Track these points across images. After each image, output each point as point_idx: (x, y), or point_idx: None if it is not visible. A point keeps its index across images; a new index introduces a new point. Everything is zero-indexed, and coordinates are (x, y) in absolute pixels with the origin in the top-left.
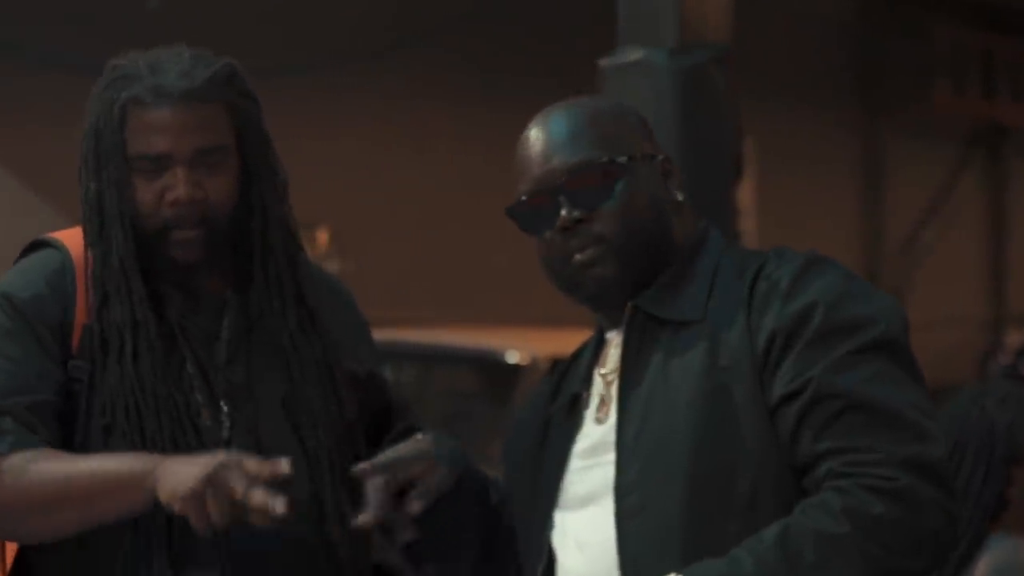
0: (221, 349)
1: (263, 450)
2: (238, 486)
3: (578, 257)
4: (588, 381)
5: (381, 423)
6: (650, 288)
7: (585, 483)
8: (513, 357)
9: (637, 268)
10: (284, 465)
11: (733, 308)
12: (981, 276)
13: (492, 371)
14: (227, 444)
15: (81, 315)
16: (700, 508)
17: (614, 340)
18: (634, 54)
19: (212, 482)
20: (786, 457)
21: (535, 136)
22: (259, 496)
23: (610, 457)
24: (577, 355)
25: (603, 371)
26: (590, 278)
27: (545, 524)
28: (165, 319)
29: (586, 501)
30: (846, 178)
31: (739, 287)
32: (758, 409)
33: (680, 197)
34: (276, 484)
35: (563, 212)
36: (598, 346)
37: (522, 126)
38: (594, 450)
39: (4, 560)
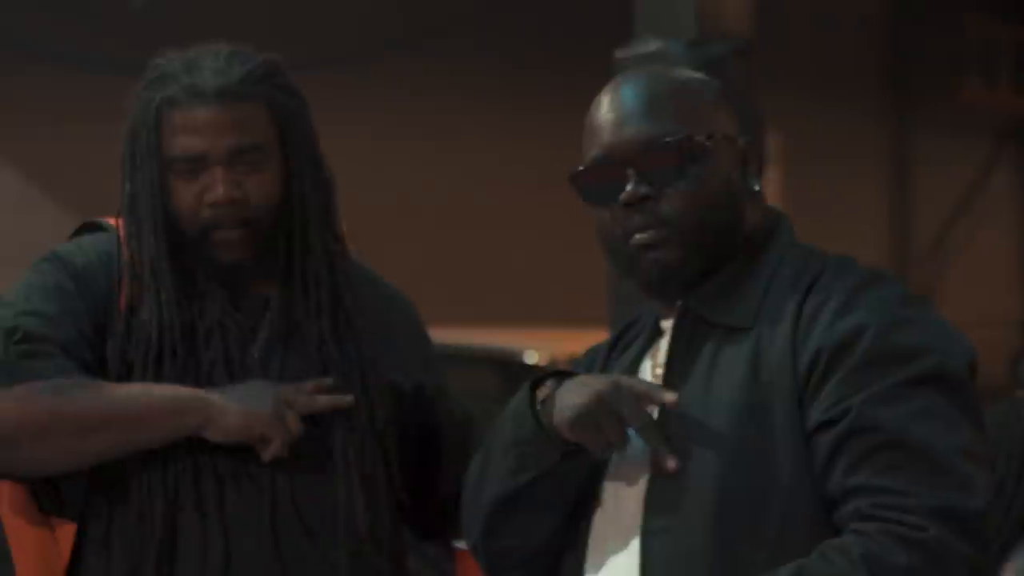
0: (256, 349)
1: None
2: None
3: (638, 237)
4: (637, 365)
5: (430, 439)
6: (706, 284)
7: (620, 483)
8: (532, 357)
9: (700, 257)
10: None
11: (782, 319)
12: (1013, 275)
13: (510, 371)
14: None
15: (123, 302)
16: (727, 533)
17: (667, 333)
18: (651, 45)
19: (288, 405)
20: (820, 488)
21: (610, 100)
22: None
23: (647, 462)
24: (627, 330)
25: (653, 362)
26: (649, 261)
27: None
28: (205, 318)
29: (619, 501)
30: (874, 174)
31: (792, 296)
32: (795, 433)
33: (757, 187)
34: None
35: (629, 187)
36: (653, 333)
37: (539, 121)
38: (632, 450)
39: (55, 537)
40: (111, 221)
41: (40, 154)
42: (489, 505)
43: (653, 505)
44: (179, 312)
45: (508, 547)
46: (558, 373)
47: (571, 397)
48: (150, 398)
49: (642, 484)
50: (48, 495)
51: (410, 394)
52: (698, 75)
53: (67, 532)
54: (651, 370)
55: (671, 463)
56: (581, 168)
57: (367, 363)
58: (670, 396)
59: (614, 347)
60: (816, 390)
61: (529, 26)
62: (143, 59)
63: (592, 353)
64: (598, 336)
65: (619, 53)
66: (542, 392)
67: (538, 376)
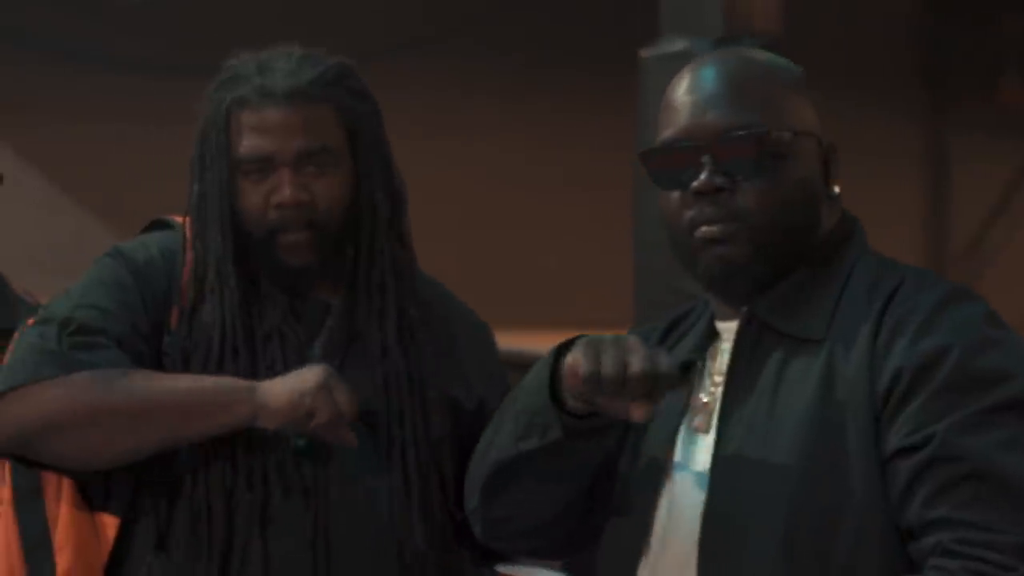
0: (314, 355)
1: (337, 460)
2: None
3: (705, 230)
4: (690, 366)
5: None
6: (774, 289)
7: (675, 503)
8: None
9: (768, 258)
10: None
11: (858, 333)
12: None
13: None
14: (301, 451)
15: (184, 299)
16: (795, 557)
17: (726, 335)
18: (677, 44)
19: (333, 384)
20: (895, 516)
21: (694, 80)
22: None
23: (705, 475)
24: (676, 324)
25: (711, 365)
26: (713, 256)
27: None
28: (264, 323)
29: (673, 521)
30: (909, 174)
31: (868, 309)
32: (870, 455)
33: (836, 191)
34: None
35: (704, 175)
36: (708, 332)
37: (564, 121)
38: (687, 464)
39: (97, 531)
40: (179, 219)
41: (62, 155)
42: (489, 468)
43: (712, 523)
44: (241, 316)
45: (507, 515)
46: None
47: (579, 346)
48: (200, 388)
49: (698, 499)
50: (98, 488)
51: (472, 411)
52: (788, 64)
53: (110, 526)
54: (708, 376)
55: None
56: (654, 148)
57: (427, 374)
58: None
59: (663, 340)
60: (895, 413)
61: (554, 25)
62: (165, 59)
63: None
64: None
65: (644, 52)
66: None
67: (565, 341)
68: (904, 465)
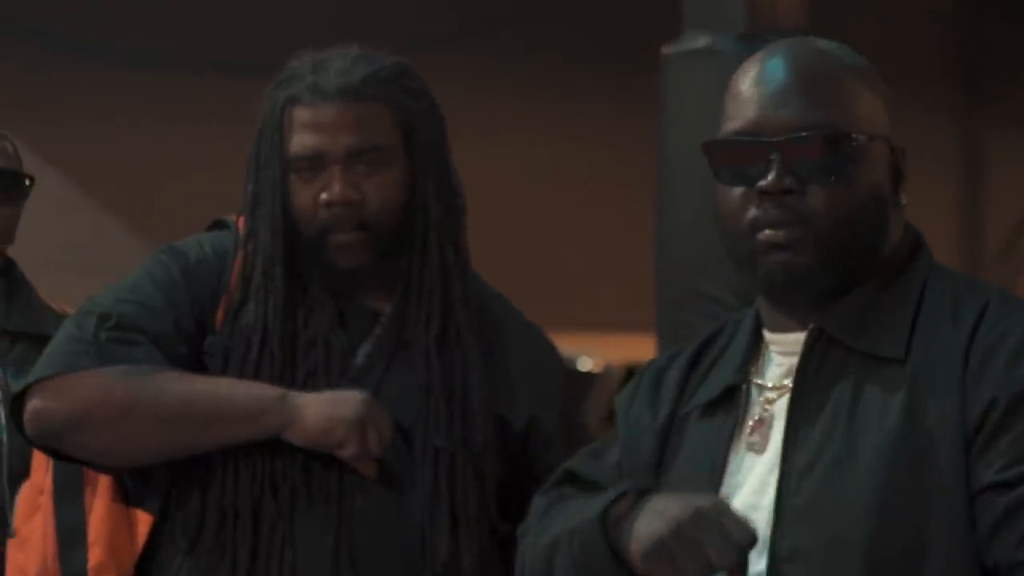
0: (356, 366)
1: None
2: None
3: (768, 233)
4: (736, 388)
5: (540, 474)
6: (842, 303)
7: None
8: (586, 365)
9: (834, 267)
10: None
11: (946, 358)
12: None
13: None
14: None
15: (231, 299)
16: None
17: (776, 347)
18: (700, 41)
19: (369, 419)
20: (982, 553)
21: (765, 70)
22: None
23: (764, 502)
24: (709, 344)
25: (761, 381)
26: (775, 262)
27: None
28: (308, 329)
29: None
30: (942, 174)
31: (954, 331)
32: (959, 491)
33: (904, 201)
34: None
35: (772, 175)
36: (753, 341)
37: (589, 119)
38: (750, 488)
39: (131, 527)
40: (237, 219)
41: (79, 153)
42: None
43: (781, 560)
44: (283, 320)
45: None
46: (639, 492)
47: (648, 525)
48: (233, 393)
49: (766, 526)
50: (136, 484)
51: (521, 425)
52: (862, 59)
53: (144, 524)
54: (758, 391)
55: None
56: (718, 139)
57: (471, 384)
58: (754, 536)
59: (695, 365)
60: (988, 445)
61: (578, 23)
62: (183, 55)
63: (657, 371)
64: (652, 342)
65: (666, 49)
66: (618, 509)
67: (615, 493)
68: (996, 501)
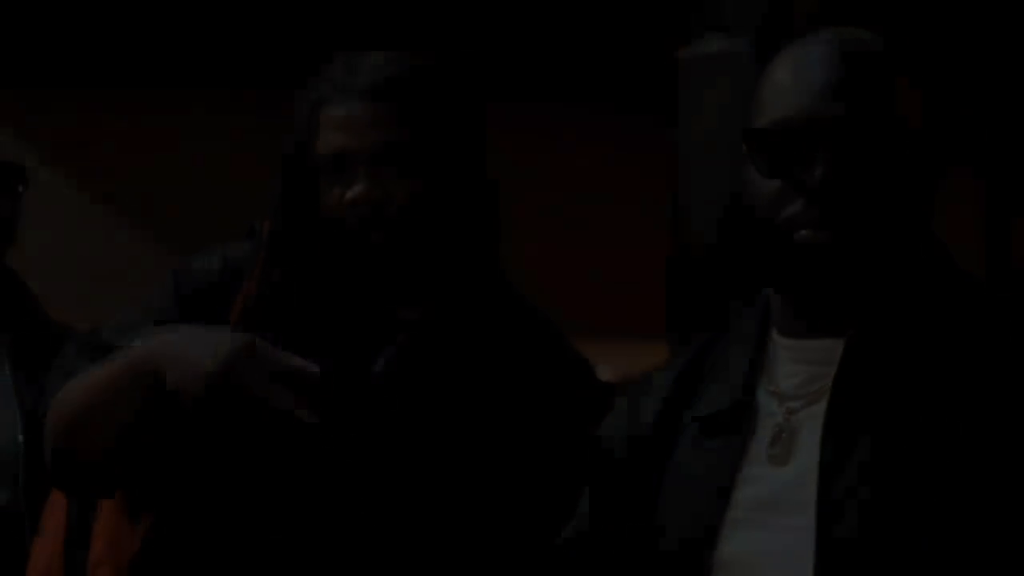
0: (375, 374)
1: (377, 485)
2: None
3: (806, 233)
4: (749, 395)
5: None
6: (881, 308)
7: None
8: (604, 373)
9: (874, 271)
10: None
11: (1001, 374)
12: None
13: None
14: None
15: (236, 310)
16: None
17: (790, 352)
18: (716, 44)
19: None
20: None
21: (811, 58)
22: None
23: (801, 522)
24: (704, 353)
25: (775, 389)
26: (812, 265)
27: None
28: (330, 331)
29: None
30: (968, 183)
31: (1004, 345)
32: None
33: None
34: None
35: (818, 171)
36: (758, 351)
37: (608, 120)
38: (774, 505)
39: (132, 524)
40: (263, 224)
41: (95, 165)
42: None
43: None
44: (302, 323)
45: None
46: None
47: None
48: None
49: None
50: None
51: (537, 441)
52: (905, 56)
53: (146, 522)
54: (776, 404)
55: None
56: (760, 127)
57: (486, 394)
58: None
59: (688, 374)
60: None
61: (592, 26)
62: (191, 67)
63: (653, 389)
64: (665, 352)
65: (681, 54)
66: None
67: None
68: None
